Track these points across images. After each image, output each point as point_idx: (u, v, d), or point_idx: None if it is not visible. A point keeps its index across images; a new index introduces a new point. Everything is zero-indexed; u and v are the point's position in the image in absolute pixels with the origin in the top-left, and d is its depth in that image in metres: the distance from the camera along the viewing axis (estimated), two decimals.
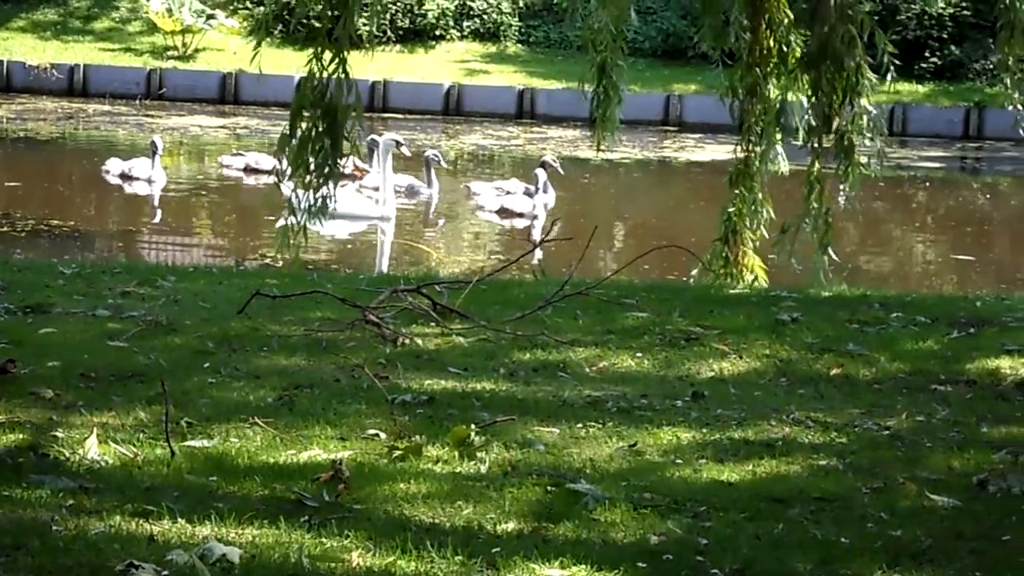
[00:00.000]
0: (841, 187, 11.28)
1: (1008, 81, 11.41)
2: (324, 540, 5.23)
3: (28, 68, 28.01)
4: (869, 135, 11.07)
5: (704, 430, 6.85)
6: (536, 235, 17.36)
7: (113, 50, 29.36)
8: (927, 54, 29.07)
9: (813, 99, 11.05)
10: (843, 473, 6.29)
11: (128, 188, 19.53)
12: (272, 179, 15.50)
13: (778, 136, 11.38)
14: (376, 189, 18.45)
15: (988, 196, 23.84)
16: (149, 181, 19.51)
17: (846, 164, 11.11)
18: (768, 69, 11.27)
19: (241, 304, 8.88)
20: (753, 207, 11.47)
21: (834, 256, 11.21)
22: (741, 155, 11.49)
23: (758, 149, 11.35)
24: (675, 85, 28.53)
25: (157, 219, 18.67)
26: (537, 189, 18.79)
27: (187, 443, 6.30)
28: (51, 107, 27.13)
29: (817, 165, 11.19)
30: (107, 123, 26.12)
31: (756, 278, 11.39)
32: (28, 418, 6.57)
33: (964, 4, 29.12)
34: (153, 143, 19.67)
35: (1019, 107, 11.55)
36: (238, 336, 8.28)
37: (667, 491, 5.93)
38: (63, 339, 8.05)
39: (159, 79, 28.30)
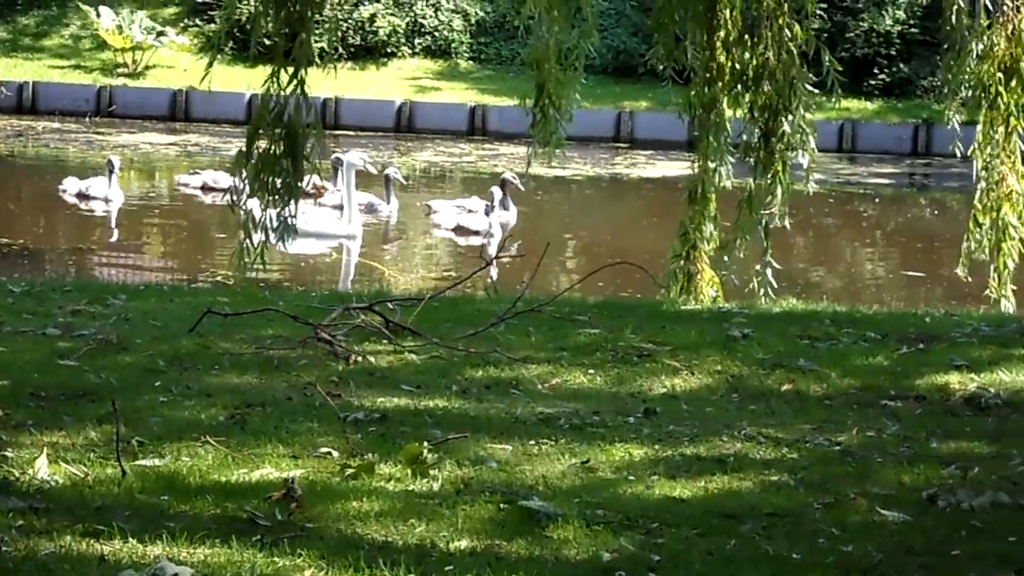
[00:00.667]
0: (771, 202, 11.41)
1: (950, 102, 11.60)
2: (276, 559, 5.21)
3: None
4: (801, 151, 11.23)
5: (656, 446, 6.87)
6: (492, 253, 17.32)
7: (63, 67, 29.25)
8: (876, 71, 29.29)
9: (751, 116, 11.22)
10: (794, 489, 6.31)
11: (84, 207, 19.40)
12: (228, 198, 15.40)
13: (726, 152, 11.51)
14: (338, 207, 18.41)
15: (936, 212, 24.01)
16: (106, 200, 19.40)
17: (775, 180, 11.28)
18: (721, 86, 11.37)
19: (192, 322, 8.85)
20: (708, 223, 11.59)
21: (776, 266, 11.36)
22: (697, 171, 11.59)
23: (712, 165, 11.45)
24: (626, 102, 28.65)
25: (113, 238, 18.53)
26: (493, 207, 18.76)
27: (138, 462, 6.27)
28: (0, 125, 26.98)
29: (754, 181, 11.36)
30: (57, 140, 26.00)
31: (718, 294, 11.48)
32: None
33: (912, 22, 29.36)
34: (110, 162, 19.56)
35: (958, 127, 11.79)
36: (189, 354, 8.25)
37: (620, 508, 5.94)
38: (12, 358, 8.00)
39: (109, 96, 28.20)
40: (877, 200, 24.25)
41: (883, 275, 18.04)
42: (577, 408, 7.48)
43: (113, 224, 19.01)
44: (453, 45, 30.52)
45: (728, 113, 11.45)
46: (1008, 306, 11.66)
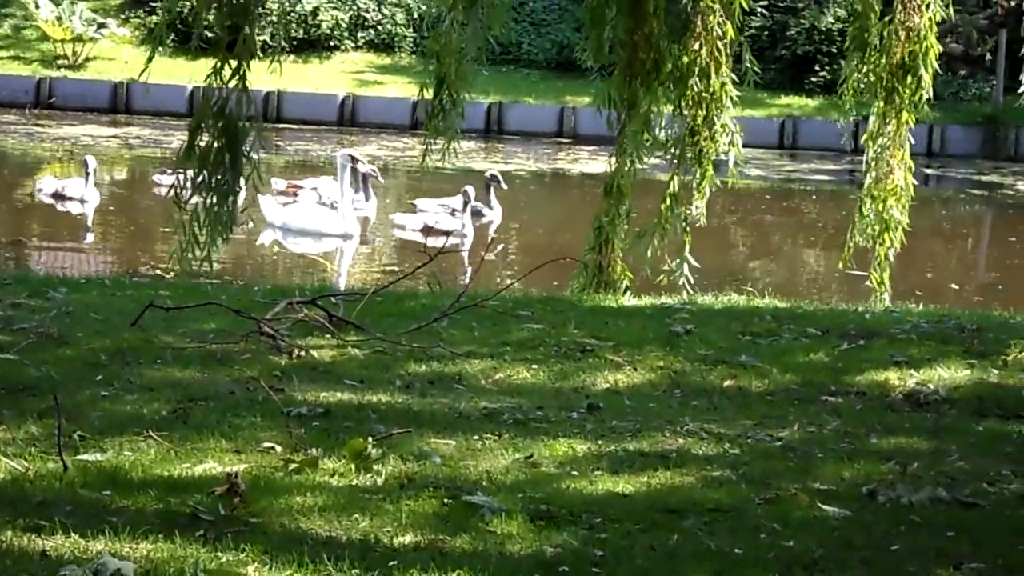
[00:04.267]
0: (695, 199, 11.52)
1: (848, 97, 11.78)
2: (220, 554, 5.20)
3: None
4: (725, 149, 11.35)
5: (599, 442, 6.90)
6: (465, 254, 17.10)
7: (1, 58, 28.99)
8: (816, 69, 29.45)
9: (678, 112, 11.32)
10: (736, 484, 6.36)
11: (61, 208, 19.07)
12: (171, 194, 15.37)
13: (647, 147, 11.64)
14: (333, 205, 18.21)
15: None
16: (82, 201, 19.02)
17: (701, 177, 11.38)
18: (643, 82, 11.47)
19: (134, 316, 8.80)
20: (623, 217, 11.73)
21: (693, 263, 11.47)
22: (614, 166, 11.72)
23: (628, 160, 11.57)
24: (569, 97, 28.69)
25: (89, 239, 18.17)
26: (466, 205, 18.18)
27: (80, 457, 6.23)
28: None
29: (675, 176, 11.47)
30: None
31: (628, 287, 11.59)
32: None
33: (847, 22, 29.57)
34: (85, 162, 19.19)
35: (846, 123, 12.02)
36: (131, 348, 8.21)
37: (563, 503, 5.96)
38: None
39: (49, 88, 27.99)
40: (816, 197, 24.40)
41: (824, 272, 18.16)
42: (520, 403, 7.50)
43: (90, 224, 18.65)
44: (396, 39, 30.48)
45: (659, 109, 11.54)
46: (885, 298, 11.82)
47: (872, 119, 12.00)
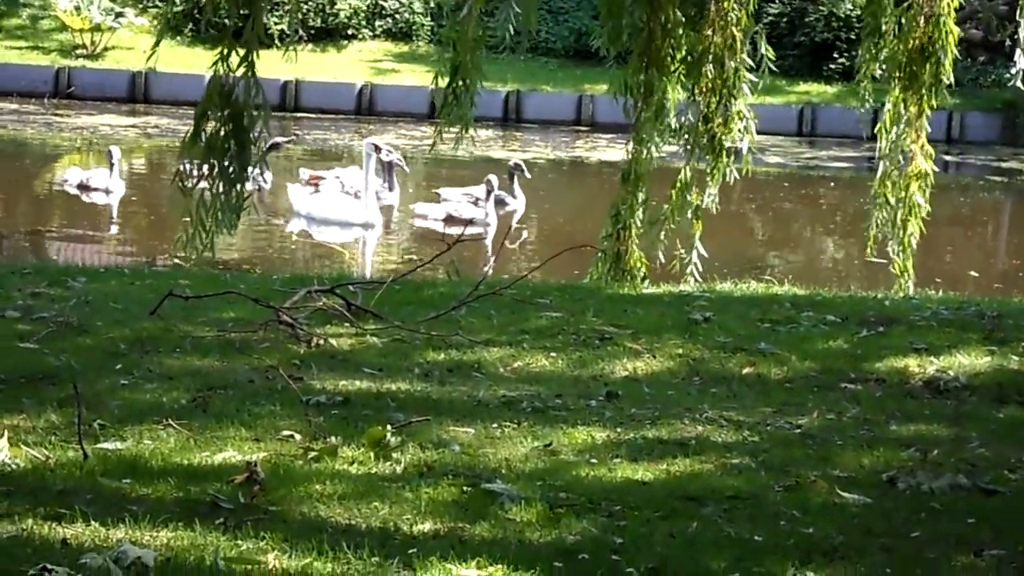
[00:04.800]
0: (709, 186, 11.49)
1: (866, 84, 11.73)
2: (240, 542, 5.20)
3: None
4: (740, 136, 11.30)
5: (618, 429, 6.89)
6: (489, 243, 16.96)
7: (20, 48, 29.03)
8: (835, 56, 29.37)
9: (692, 99, 11.29)
10: (756, 471, 6.35)
11: (86, 198, 19.01)
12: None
13: (663, 134, 11.64)
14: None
15: None
16: (107, 191, 18.86)
17: (714, 163, 11.36)
18: (660, 69, 11.45)
19: (153, 305, 8.82)
20: (640, 204, 11.74)
21: (703, 252, 11.44)
22: (631, 153, 11.72)
23: (645, 148, 11.57)
24: (587, 85, 28.64)
25: (113, 230, 18.08)
26: (489, 194, 17.98)
27: (100, 445, 6.25)
28: None
29: (690, 163, 11.44)
30: (15, 122, 25.82)
31: (645, 275, 11.59)
32: None
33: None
34: (110, 152, 19.00)
35: (863, 109, 11.96)
36: (151, 337, 8.22)
37: (582, 490, 5.96)
38: None
39: (68, 78, 28.02)
40: (831, 185, 24.33)
41: (843, 259, 18.12)
42: (539, 391, 7.50)
43: (114, 215, 18.59)
44: (414, 28, 30.45)
45: (674, 96, 11.52)
46: (909, 285, 11.76)
47: (888, 105, 11.94)
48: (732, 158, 11.68)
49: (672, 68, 11.45)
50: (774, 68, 11.57)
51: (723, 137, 11.38)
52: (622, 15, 11.34)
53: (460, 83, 10.83)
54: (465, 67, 10.79)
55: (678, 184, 11.58)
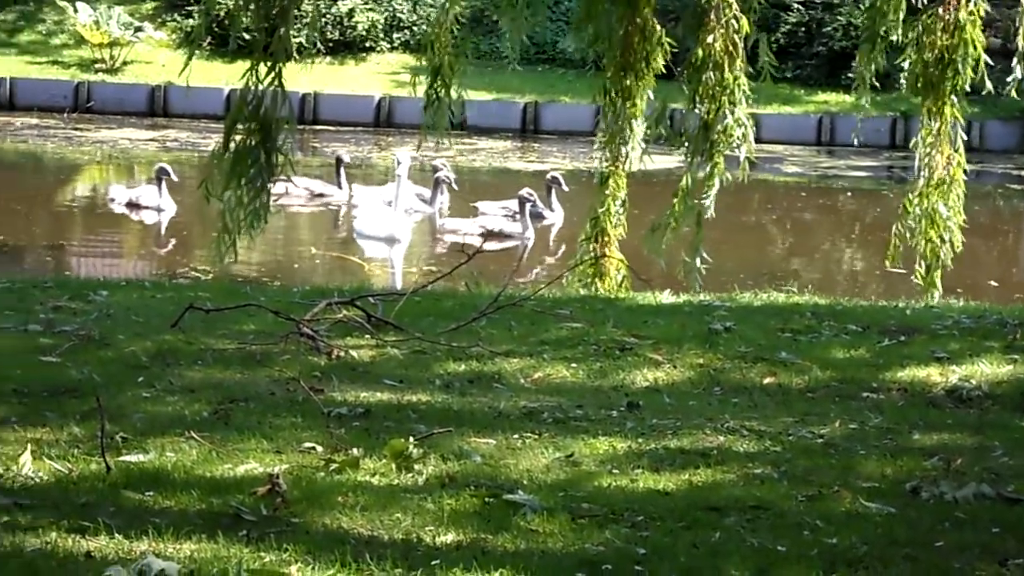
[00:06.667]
0: (706, 193, 11.47)
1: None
2: (263, 554, 5.21)
3: None
4: (738, 143, 11.29)
5: (640, 440, 6.89)
6: (524, 256, 16.75)
7: (40, 63, 29.12)
8: (854, 65, 29.32)
9: (692, 106, 11.29)
10: (778, 481, 6.34)
11: (135, 216, 18.88)
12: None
13: (638, 139, 11.70)
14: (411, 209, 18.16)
15: None
16: (158, 210, 18.55)
17: (712, 171, 11.36)
18: (638, 74, 11.50)
19: (174, 318, 8.84)
20: (618, 208, 11.80)
21: (706, 258, 11.44)
22: (608, 158, 11.79)
23: (624, 151, 11.64)
24: None
25: (166, 249, 17.97)
26: (523, 207, 17.67)
27: (122, 458, 6.26)
28: None
29: (690, 170, 11.45)
30: (35, 136, 25.90)
31: (624, 277, 11.62)
32: None
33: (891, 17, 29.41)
34: (163, 169, 18.55)
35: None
36: (172, 350, 8.24)
37: (604, 501, 5.95)
38: None
39: (87, 92, 28.09)
40: (850, 194, 24.29)
41: (863, 269, 18.09)
42: (560, 402, 7.49)
43: (163, 232, 18.44)
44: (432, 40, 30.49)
45: (664, 101, 11.56)
46: (935, 295, 11.72)
47: (923, 118, 11.88)
48: (747, 168, 11.63)
49: (651, 73, 11.53)
50: (776, 75, 11.54)
51: (722, 144, 11.36)
52: (600, 18, 11.38)
53: (440, 85, 10.86)
54: (445, 70, 10.84)
55: (682, 190, 11.57)
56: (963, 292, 13.11)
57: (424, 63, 11.19)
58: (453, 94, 11.02)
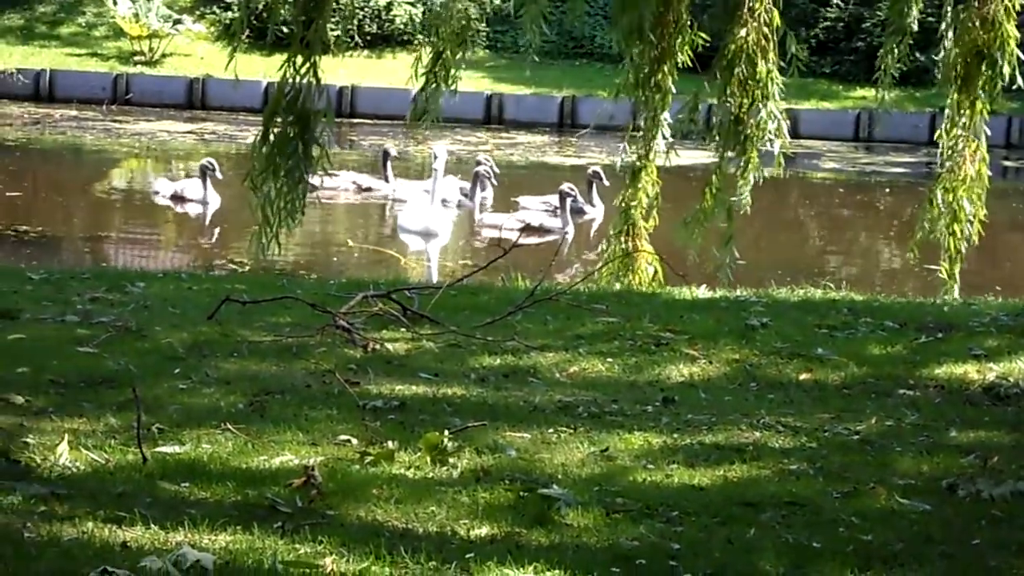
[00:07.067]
0: (740, 187, 11.43)
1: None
2: (298, 546, 5.22)
3: None
4: (771, 138, 11.24)
5: (675, 435, 6.88)
6: (564, 251, 16.74)
7: (79, 55, 29.26)
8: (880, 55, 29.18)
9: (724, 100, 11.26)
10: (813, 477, 6.32)
11: (180, 209, 18.79)
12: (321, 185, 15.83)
13: (667, 132, 11.70)
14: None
15: None
16: (203, 203, 18.61)
17: (745, 164, 11.33)
18: (668, 68, 11.50)
19: (211, 309, 8.86)
20: (649, 201, 11.79)
21: (736, 255, 11.42)
22: (639, 151, 11.78)
23: (654, 145, 11.63)
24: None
25: (211, 241, 17.96)
26: (564, 202, 17.71)
27: (158, 449, 6.29)
28: (17, 112, 27.01)
29: (721, 165, 11.43)
30: (74, 128, 26.02)
31: (656, 271, 11.61)
32: None
33: (929, 11, 29.28)
34: (208, 163, 18.58)
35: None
36: (208, 342, 8.26)
37: (639, 496, 5.95)
38: (32, 345, 8.02)
39: (126, 84, 28.21)
40: (888, 190, 24.19)
41: (899, 266, 18.01)
42: (595, 396, 7.49)
43: (207, 224, 18.48)
44: (470, 33, 30.49)
45: (697, 95, 11.55)
46: (955, 290, 11.66)
47: (947, 111, 11.85)
48: (781, 162, 11.58)
49: (676, 67, 11.54)
50: (815, 70, 11.51)
51: (755, 138, 11.33)
52: (635, 11, 11.36)
53: (440, 70, 10.86)
54: (447, 56, 10.84)
55: (711, 185, 11.56)
56: (1001, 289, 13.03)
57: (429, 44, 11.19)
58: (451, 83, 10.98)
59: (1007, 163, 26.37)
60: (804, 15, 28.59)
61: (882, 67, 11.82)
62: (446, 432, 6.46)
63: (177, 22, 29.13)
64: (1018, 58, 11.46)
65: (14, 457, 6.08)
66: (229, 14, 29.38)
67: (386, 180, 20.05)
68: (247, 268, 13.97)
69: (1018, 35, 11.60)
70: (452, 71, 10.92)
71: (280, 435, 6.57)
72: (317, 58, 8.01)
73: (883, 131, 27.33)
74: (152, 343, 8.19)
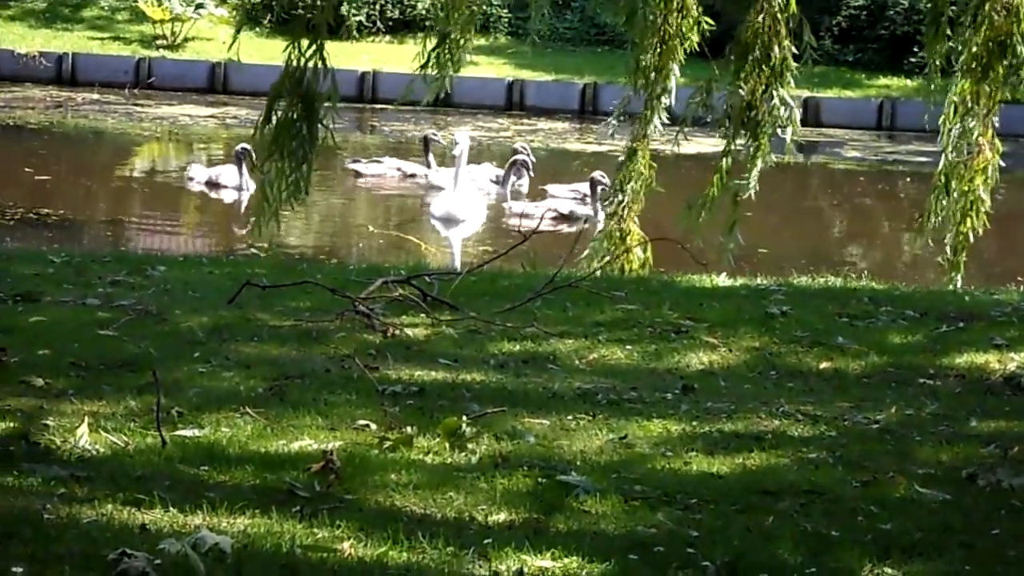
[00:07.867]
0: (748, 173, 11.38)
1: (934, 77, 11.59)
2: (316, 530, 5.23)
3: (16, 56, 27.91)
4: (783, 126, 11.21)
5: (694, 422, 6.87)
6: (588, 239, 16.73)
7: (102, 39, 29.29)
8: (916, 49, 29.08)
9: (736, 86, 11.23)
10: (833, 466, 6.31)
11: (214, 195, 18.83)
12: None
13: (663, 117, 11.72)
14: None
15: None
16: (239, 189, 18.62)
17: (755, 150, 11.29)
18: (670, 53, 11.49)
19: (231, 294, 8.88)
20: (639, 185, 11.81)
21: (740, 241, 11.39)
22: (636, 135, 11.80)
23: (650, 129, 11.67)
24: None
25: (247, 227, 17.93)
26: (594, 190, 17.59)
27: (178, 432, 6.30)
28: (39, 95, 27.06)
29: (729, 151, 11.40)
30: (96, 112, 26.07)
31: (647, 255, 11.62)
32: (19, 406, 6.56)
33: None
34: (244, 150, 18.52)
35: (932, 104, 11.82)
36: (228, 326, 8.28)
37: (657, 483, 5.94)
38: (53, 327, 8.04)
39: (148, 68, 28.23)
40: (910, 179, 24.11)
41: (921, 253, 17.95)
42: (614, 383, 7.48)
43: (241, 211, 18.43)
44: (491, 20, 30.46)
45: (711, 81, 11.53)
46: (958, 280, 11.60)
47: (955, 96, 11.79)
48: (792, 149, 11.52)
49: (681, 52, 11.54)
50: (837, 58, 11.46)
51: (765, 125, 11.30)
52: None
53: (443, 52, 10.86)
54: (453, 40, 10.85)
55: (721, 171, 11.53)
56: (1023, 280, 12.98)
57: (437, 24, 11.19)
58: (453, 67, 10.98)
59: None
60: (827, 2, 28.49)
61: (928, 59, 11.76)
62: (465, 418, 6.46)
63: (199, 6, 29.14)
64: None
65: (34, 439, 6.10)
66: None
67: (427, 166, 20.12)
68: (267, 253, 13.98)
69: None
70: (457, 56, 10.92)
71: (299, 419, 6.58)
72: (323, 40, 8.01)
73: (919, 121, 27.20)
74: (172, 327, 8.21)
